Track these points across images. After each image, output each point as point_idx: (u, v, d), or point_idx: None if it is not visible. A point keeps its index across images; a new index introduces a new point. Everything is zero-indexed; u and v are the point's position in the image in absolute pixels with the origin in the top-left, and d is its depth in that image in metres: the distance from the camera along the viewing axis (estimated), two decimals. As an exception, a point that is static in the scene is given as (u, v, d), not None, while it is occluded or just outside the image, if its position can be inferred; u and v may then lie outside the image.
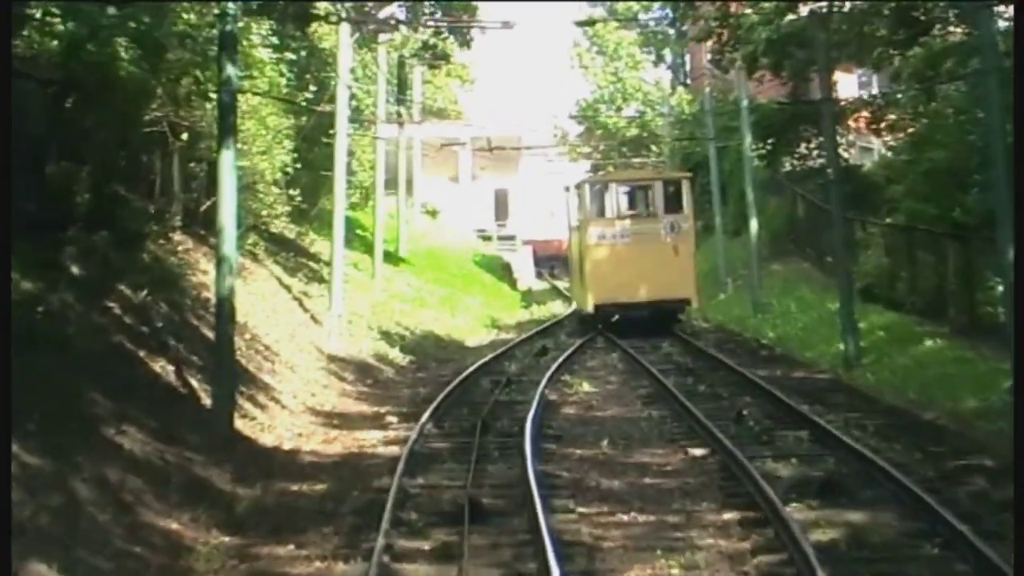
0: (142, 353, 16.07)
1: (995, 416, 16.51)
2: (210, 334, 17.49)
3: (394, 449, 16.38)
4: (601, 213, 32.43)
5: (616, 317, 31.94)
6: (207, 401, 16.23)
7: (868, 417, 17.68)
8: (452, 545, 11.24)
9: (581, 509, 12.75)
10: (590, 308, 32.56)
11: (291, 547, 11.51)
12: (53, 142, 16.31)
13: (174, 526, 11.79)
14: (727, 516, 12.38)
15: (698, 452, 15.83)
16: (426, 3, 39.39)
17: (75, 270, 15.67)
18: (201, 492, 12.92)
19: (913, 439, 15.87)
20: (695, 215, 33.54)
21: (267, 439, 16.70)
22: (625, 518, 12.50)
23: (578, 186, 34.62)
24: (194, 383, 16.66)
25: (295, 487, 14.10)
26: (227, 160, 16.24)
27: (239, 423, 16.43)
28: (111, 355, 14.99)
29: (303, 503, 13.39)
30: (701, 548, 11.14)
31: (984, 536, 10.53)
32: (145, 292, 17.55)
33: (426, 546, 11.32)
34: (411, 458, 15.02)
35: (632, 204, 32.71)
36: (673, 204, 32.08)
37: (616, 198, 32.42)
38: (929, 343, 23.26)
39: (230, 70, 16.28)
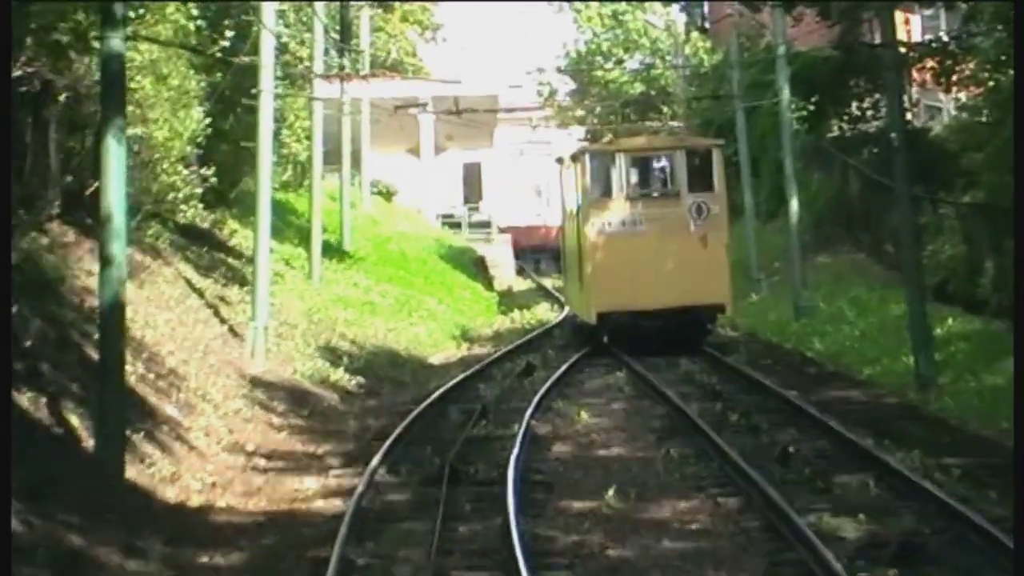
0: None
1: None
2: (96, 355, 16.79)
3: (336, 504, 15.83)
4: (606, 193, 30.93)
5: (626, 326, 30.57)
6: (90, 443, 15.53)
7: (952, 454, 17.17)
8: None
9: (583, 586, 12.15)
10: (592, 317, 30.99)
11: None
12: None
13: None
14: (775, 593, 11.81)
15: (733, 503, 15.22)
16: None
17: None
18: (78, 568, 12.23)
19: (1012, 483, 15.26)
20: (728, 195, 32.14)
21: (170, 492, 16.02)
22: (640, 598, 11.93)
23: (575, 158, 32.88)
24: (74, 420, 15.97)
25: (204, 558, 13.45)
26: (113, 127, 15.58)
27: (132, 471, 15.74)
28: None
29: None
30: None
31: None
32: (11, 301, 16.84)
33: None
34: (358, 516, 14.39)
35: (647, 181, 31.35)
36: (700, 180, 30.63)
37: (626, 173, 30.81)
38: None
39: (117, 9, 15.59)
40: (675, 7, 70.21)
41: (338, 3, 49.09)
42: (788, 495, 14.60)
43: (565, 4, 70.35)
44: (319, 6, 39.04)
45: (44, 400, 15.82)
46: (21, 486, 13.07)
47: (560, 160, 35.80)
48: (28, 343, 16.72)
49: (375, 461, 17.42)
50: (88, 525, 13.29)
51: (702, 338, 30.71)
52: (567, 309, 42.11)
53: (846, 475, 16.25)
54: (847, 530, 13.73)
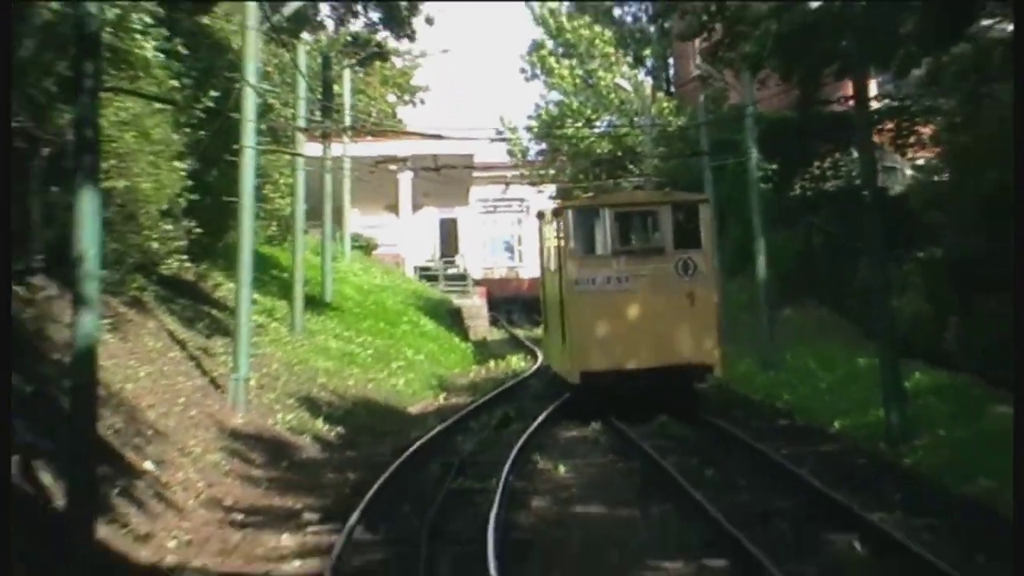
0: (-27, 442, 13.96)
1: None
2: (72, 409, 15.41)
3: (314, 564, 14.44)
4: (589, 249, 28.39)
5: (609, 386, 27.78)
6: (61, 502, 14.13)
7: (934, 514, 15.88)
8: None
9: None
10: (575, 377, 28.14)
11: None
12: None
13: None
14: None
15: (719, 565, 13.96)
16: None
17: None
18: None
19: (1003, 547, 13.98)
20: (717, 252, 29.81)
21: (143, 553, 14.65)
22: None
23: (557, 213, 30.20)
24: (46, 480, 14.55)
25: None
26: (85, 165, 14.34)
27: (105, 531, 14.35)
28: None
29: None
30: None
31: None
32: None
33: None
34: (335, 577, 13.09)
35: (631, 237, 28.78)
36: (687, 237, 28.09)
37: (610, 228, 28.09)
38: (1002, 409, 21.46)
39: (88, 67, 14.45)
40: (642, 70, 69.67)
41: (320, 64, 47.83)
42: (775, 558, 13.28)
43: (539, 69, 69.43)
44: (302, 64, 37.81)
45: (16, 458, 14.42)
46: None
47: (541, 215, 33.60)
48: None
49: (354, 517, 16.12)
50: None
51: (691, 402, 27.65)
52: (540, 359, 40.91)
53: (830, 534, 15.00)
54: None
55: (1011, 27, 28.26)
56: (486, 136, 69.24)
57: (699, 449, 22.21)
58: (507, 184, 72.99)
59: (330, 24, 50.32)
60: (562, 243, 28.88)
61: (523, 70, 71.47)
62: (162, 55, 23.31)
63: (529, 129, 69.88)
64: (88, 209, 14.23)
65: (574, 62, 66.40)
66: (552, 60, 67.55)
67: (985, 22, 28.39)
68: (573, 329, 28.21)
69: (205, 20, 28.59)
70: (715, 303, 28.18)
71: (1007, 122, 26.17)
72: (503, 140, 68.68)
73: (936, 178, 32.95)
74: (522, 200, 73.75)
